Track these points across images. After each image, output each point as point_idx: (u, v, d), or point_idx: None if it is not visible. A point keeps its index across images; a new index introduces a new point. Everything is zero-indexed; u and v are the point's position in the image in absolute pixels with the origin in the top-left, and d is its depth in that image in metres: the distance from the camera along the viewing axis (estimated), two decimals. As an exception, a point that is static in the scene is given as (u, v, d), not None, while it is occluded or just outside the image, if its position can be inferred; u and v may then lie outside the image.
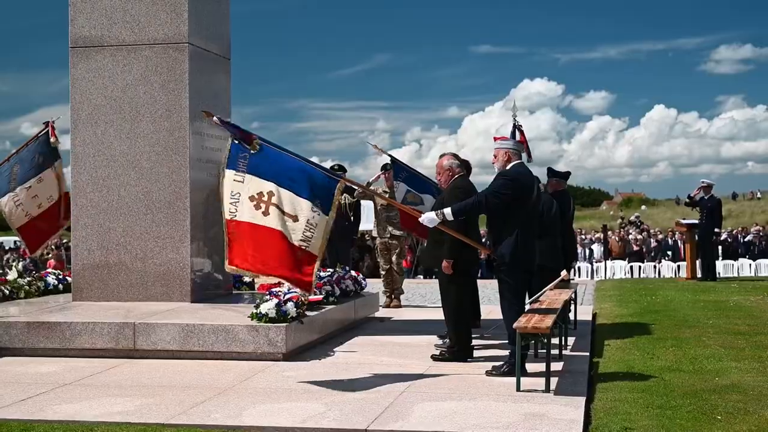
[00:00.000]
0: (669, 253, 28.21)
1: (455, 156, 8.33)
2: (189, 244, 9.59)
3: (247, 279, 11.63)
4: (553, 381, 6.83)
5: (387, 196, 12.64)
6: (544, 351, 6.98)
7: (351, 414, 6.06)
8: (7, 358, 8.35)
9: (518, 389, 6.71)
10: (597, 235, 32.19)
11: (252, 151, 7.42)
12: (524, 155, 10.06)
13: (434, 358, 8.13)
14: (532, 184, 7.42)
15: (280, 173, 7.41)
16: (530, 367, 7.25)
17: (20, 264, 11.57)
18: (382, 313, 11.66)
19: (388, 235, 12.81)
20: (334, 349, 8.73)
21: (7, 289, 10.30)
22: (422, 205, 11.19)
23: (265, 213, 7.31)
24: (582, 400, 6.46)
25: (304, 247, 7.32)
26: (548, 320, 6.97)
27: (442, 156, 8.44)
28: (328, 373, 7.54)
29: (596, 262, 28.16)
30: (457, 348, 8.05)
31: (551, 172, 10.33)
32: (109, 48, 9.77)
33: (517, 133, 10.04)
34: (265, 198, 7.30)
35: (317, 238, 7.34)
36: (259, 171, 7.37)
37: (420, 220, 7.59)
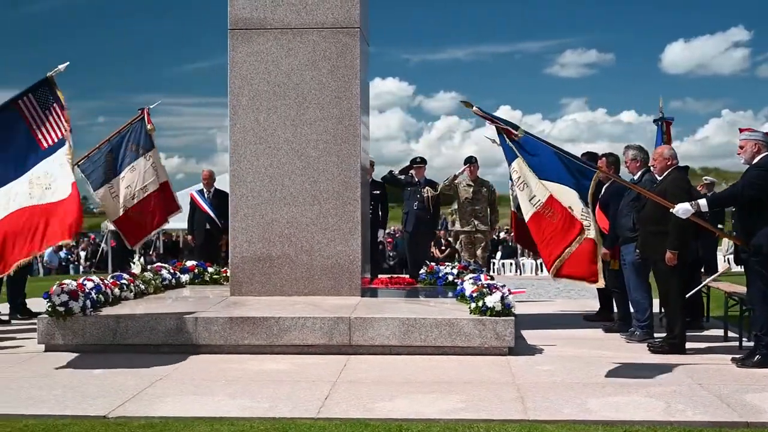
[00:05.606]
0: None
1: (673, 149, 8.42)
2: (360, 236, 9.26)
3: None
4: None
5: (471, 190, 12.65)
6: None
7: (700, 407, 5.98)
8: (209, 356, 7.89)
9: (804, 379, 6.84)
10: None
11: (515, 140, 7.34)
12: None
13: (652, 350, 8.16)
14: None
15: (546, 166, 7.35)
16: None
17: (141, 257, 10.82)
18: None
19: (474, 229, 12.74)
20: (530, 344, 8.61)
21: (141, 285, 9.66)
22: None
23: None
24: None
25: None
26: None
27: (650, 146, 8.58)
28: (583, 367, 7.37)
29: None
30: (679, 340, 8.12)
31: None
32: (273, 31, 9.32)
33: (664, 125, 10.17)
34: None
35: (594, 226, 7.24)
36: (529, 164, 7.32)
37: (673, 211, 7.58)
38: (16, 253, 7.57)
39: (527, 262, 27.22)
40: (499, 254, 28.69)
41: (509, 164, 7.41)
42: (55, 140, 8.08)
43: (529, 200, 7.31)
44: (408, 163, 13.09)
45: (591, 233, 7.14)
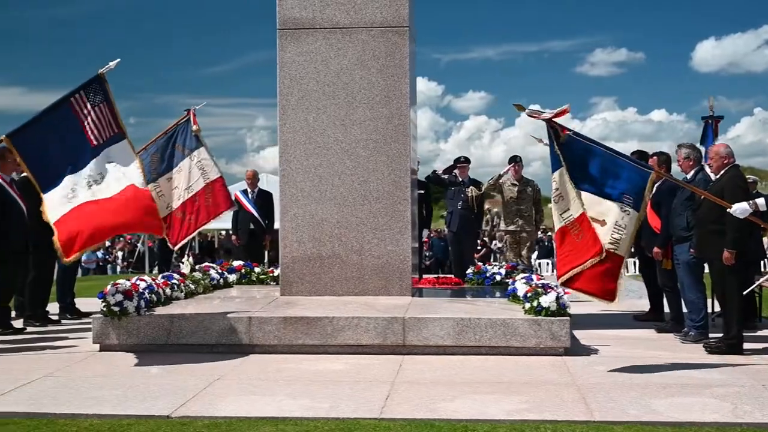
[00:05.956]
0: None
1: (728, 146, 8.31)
2: (410, 236, 9.23)
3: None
4: None
5: (516, 189, 12.58)
6: None
7: (769, 408, 5.92)
8: (264, 356, 7.89)
9: None
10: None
11: (561, 144, 7.31)
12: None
13: (709, 350, 8.06)
14: None
15: (589, 173, 7.33)
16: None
17: (190, 258, 10.86)
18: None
19: (518, 229, 12.67)
20: (584, 344, 8.53)
21: (191, 285, 9.69)
22: None
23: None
24: None
25: (612, 250, 7.24)
26: None
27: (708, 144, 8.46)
28: (641, 368, 7.28)
29: None
30: (736, 340, 8.02)
31: None
32: (322, 30, 9.31)
33: (713, 123, 10.07)
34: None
35: (625, 240, 7.28)
36: (570, 173, 7.32)
37: (731, 211, 7.51)
38: (79, 243, 7.65)
39: (564, 261, 27.07)
40: (535, 253, 28.58)
41: (554, 171, 7.39)
42: (105, 138, 8.13)
43: (561, 214, 7.35)
44: (451, 163, 13.06)
45: (621, 249, 7.16)
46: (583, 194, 7.32)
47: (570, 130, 7.37)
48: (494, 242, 29.16)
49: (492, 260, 30.18)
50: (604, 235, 7.27)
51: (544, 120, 7.37)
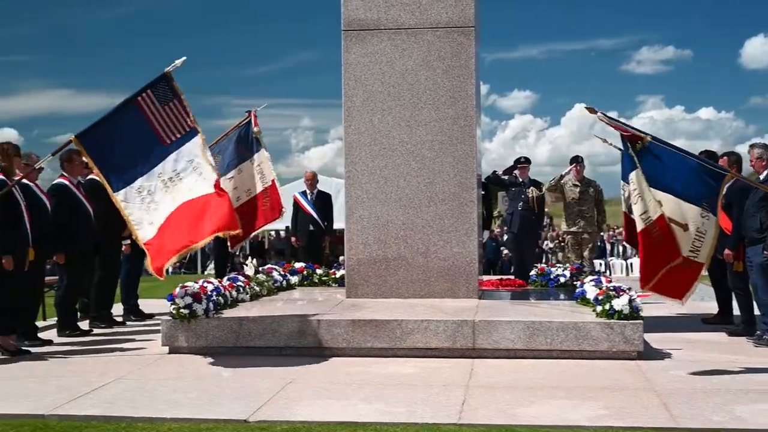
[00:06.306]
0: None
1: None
2: (476, 238, 9.14)
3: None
4: None
5: (577, 190, 12.42)
6: None
7: None
8: (333, 359, 7.85)
9: None
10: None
11: (639, 150, 7.20)
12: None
13: (784, 354, 7.89)
14: None
15: (670, 176, 7.20)
16: None
17: (254, 259, 10.88)
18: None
19: (580, 230, 12.51)
20: (655, 347, 8.37)
21: (256, 287, 9.70)
22: None
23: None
24: None
25: (692, 258, 7.12)
26: None
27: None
28: (719, 372, 7.16)
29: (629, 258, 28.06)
30: (812, 344, 7.83)
31: None
32: (387, 31, 9.25)
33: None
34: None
35: (706, 245, 7.18)
36: (648, 176, 7.19)
37: (810, 211, 7.34)
38: (164, 255, 7.68)
39: (617, 262, 26.77)
40: (588, 253, 28.19)
41: (626, 174, 7.30)
42: (179, 136, 8.12)
43: (640, 215, 7.21)
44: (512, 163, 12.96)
45: (701, 256, 7.08)
46: (662, 194, 7.19)
47: (646, 135, 7.26)
48: (546, 242, 28.96)
49: (544, 260, 29.98)
50: (685, 242, 7.15)
51: (615, 129, 7.29)
